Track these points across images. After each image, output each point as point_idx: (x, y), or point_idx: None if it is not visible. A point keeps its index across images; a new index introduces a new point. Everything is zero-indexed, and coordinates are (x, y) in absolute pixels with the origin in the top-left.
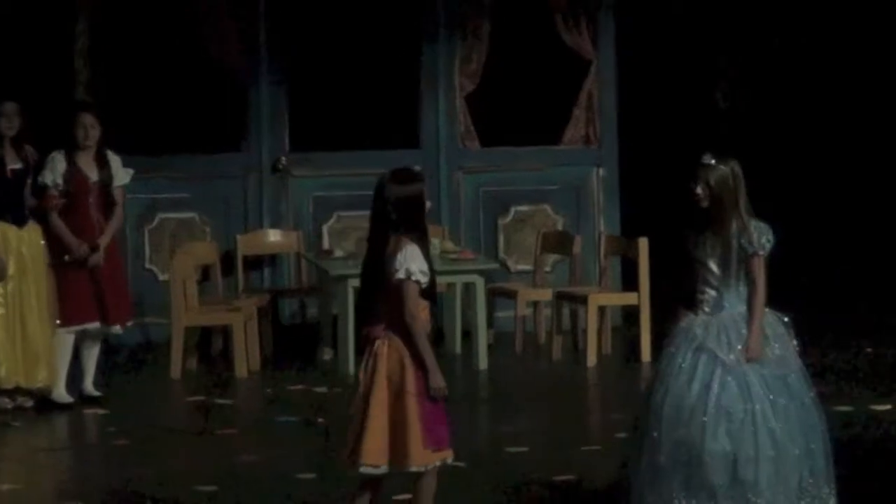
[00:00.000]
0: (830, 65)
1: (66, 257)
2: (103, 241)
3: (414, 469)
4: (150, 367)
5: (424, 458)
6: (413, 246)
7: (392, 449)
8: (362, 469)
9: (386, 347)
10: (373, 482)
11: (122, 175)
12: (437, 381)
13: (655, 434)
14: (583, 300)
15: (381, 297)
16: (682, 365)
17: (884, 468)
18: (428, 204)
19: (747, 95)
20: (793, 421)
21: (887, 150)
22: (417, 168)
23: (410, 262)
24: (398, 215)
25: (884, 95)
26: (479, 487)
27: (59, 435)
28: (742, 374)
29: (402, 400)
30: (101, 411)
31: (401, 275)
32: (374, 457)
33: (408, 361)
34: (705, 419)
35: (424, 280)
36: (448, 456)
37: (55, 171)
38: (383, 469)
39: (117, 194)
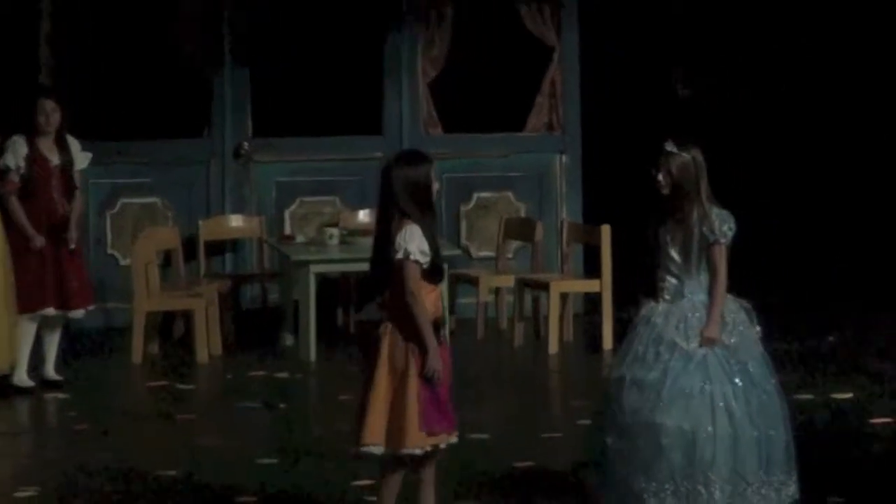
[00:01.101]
0: (795, 50)
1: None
2: (74, 230)
3: (406, 451)
4: (111, 351)
5: (418, 440)
6: (414, 226)
7: (389, 431)
8: (363, 449)
9: (389, 330)
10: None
11: (81, 159)
12: (435, 363)
13: (618, 419)
14: (545, 287)
15: (387, 279)
16: (642, 352)
17: (844, 456)
18: (436, 185)
19: (711, 83)
20: (753, 405)
21: (855, 136)
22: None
23: (409, 242)
24: (404, 197)
25: (849, 78)
26: (441, 474)
27: (20, 419)
28: (702, 358)
29: (404, 382)
30: (61, 396)
31: (400, 255)
32: (374, 437)
33: (411, 344)
34: (664, 403)
35: (424, 260)
36: (445, 440)
37: (17, 154)
38: (380, 450)
39: (77, 179)
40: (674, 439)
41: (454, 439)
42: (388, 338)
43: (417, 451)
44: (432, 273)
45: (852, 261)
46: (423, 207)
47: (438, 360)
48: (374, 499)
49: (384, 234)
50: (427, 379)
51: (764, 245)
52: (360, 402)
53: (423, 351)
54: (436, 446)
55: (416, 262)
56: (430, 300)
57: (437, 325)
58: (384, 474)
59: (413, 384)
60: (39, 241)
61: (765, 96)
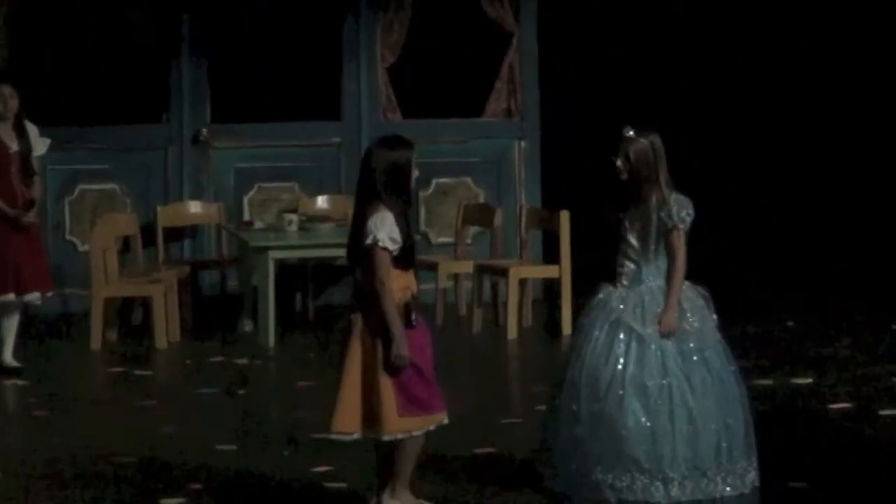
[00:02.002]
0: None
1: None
2: (33, 210)
3: (386, 438)
4: (70, 338)
5: (398, 425)
6: (386, 212)
7: (365, 416)
8: (333, 436)
9: (361, 315)
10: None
11: (39, 145)
12: (400, 348)
13: (574, 407)
14: (504, 273)
15: (361, 263)
16: (599, 338)
17: (805, 442)
18: (415, 172)
19: (673, 68)
20: (710, 395)
21: (810, 118)
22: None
23: (380, 228)
24: (382, 181)
25: (801, 59)
26: None
27: None
28: (659, 348)
29: (375, 366)
30: (20, 382)
31: (369, 241)
32: (344, 424)
33: (383, 329)
34: (621, 393)
35: (393, 247)
36: (436, 420)
37: None
38: (355, 436)
39: (36, 164)
40: (633, 432)
41: (444, 420)
42: (360, 322)
43: (413, 433)
44: (402, 259)
45: (811, 245)
46: (399, 192)
47: (405, 346)
48: (334, 485)
49: (360, 217)
50: (393, 366)
51: (725, 229)
52: (337, 387)
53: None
54: (425, 429)
55: (385, 248)
56: (398, 285)
57: (410, 309)
58: (378, 458)
59: (386, 370)
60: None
61: (724, 81)
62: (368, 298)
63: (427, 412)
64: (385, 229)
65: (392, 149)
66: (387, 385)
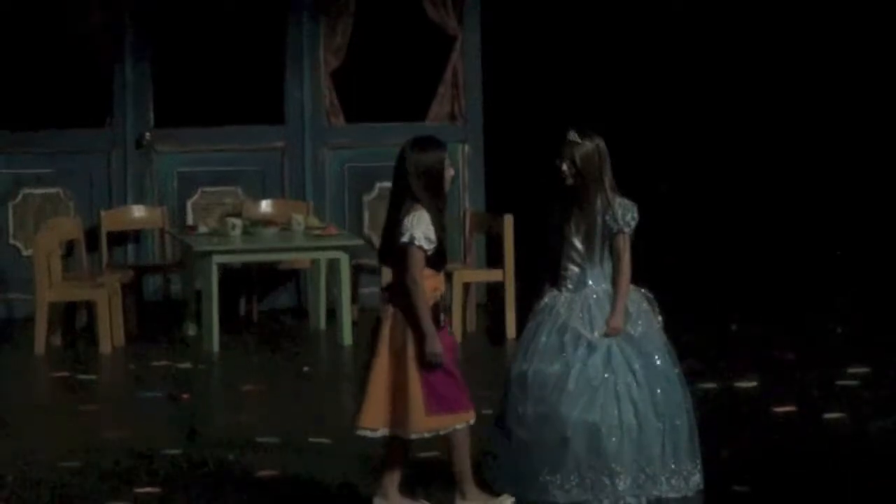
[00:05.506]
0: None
1: None
2: None
3: (413, 436)
4: (13, 343)
5: (425, 424)
6: (423, 212)
7: (393, 414)
8: (359, 432)
9: (391, 312)
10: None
11: None
12: (434, 346)
13: (520, 410)
14: (447, 277)
15: (394, 262)
16: (546, 343)
17: (749, 445)
18: (451, 172)
19: (616, 70)
20: (656, 396)
21: (750, 121)
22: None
23: (416, 227)
24: (416, 182)
25: (745, 59)
26: (345, 464)
27: None
28: (605, 349)
29: (404, 365)
30: None
31: (405, 239)
32: (371, 420)
33: (412, 327)
34: (568, 396)
35: (429, 247)
36: (464, 419)
37: None
38: (381, 433)
39: None
40: (579, 431)
41: (471, 420)
42: (390, 320)
43: (441, 432)
44: (434, 260)
45: (755, 248)
46: (433, 193)
47: (438, 344)
48: (280, 489)
49: (394, 217)
50: (427, 364)
51: (669, 232)
52: (361, 385)
53: (421, 334)
54: (466, 423)
55: (420, 247)
56: (429, 285)
57: (439, 310)
58: (388, 452)
59: (414, 368)
60: None
61: (671, 85)
62: (401, 297)
63: (454, 411)
64: (421, 228)
65: (426, 151)
66: (416, 384)
